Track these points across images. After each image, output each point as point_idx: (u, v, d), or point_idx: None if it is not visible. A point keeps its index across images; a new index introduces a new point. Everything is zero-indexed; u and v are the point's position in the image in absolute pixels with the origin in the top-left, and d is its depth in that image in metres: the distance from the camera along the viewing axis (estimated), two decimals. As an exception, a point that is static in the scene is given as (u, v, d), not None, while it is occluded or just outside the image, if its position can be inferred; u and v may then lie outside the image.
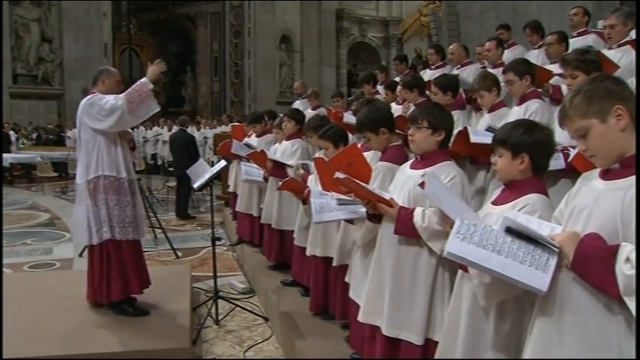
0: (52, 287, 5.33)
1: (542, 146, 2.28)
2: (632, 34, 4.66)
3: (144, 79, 4.49)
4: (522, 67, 4.12)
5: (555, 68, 4.78)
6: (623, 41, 4.63)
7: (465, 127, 3.79)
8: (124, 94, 4.40)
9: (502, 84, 4.57)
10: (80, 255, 6.63)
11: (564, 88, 4.24)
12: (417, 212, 2.78)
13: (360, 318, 3.13)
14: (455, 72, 6.54)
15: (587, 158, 1.90)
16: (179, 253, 7.39)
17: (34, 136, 19.96)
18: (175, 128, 13.91)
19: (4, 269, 6.57)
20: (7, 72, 20.14)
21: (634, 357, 1.67)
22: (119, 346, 4.03)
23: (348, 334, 3.85)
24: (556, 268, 1.82)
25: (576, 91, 1.87)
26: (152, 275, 4.91)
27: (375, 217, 3.04)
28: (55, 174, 15.60)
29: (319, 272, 4.39)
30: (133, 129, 8.74)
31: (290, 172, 5.31)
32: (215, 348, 4.46)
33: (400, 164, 3.15)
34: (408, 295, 2.87)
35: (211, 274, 5.23)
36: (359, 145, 4.00)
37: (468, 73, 6.44)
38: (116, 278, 4.51)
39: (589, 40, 5.47)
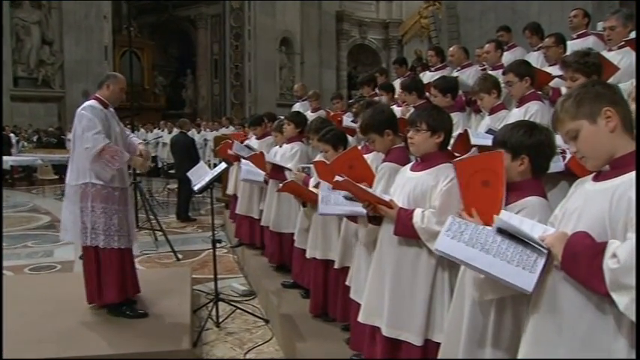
0: (53, 289, 5.34)
1: (542, 147, 2.29)
2: (632, 35, 4.66)
3: (127, 156, 4.55)
4: (522, 69, 4.13)
5: (554, 70, 4.79)
6: (622, 42, 4.63)
7: (466, 130, 3.80)
8: (105, 144, 4.37)
9: (502, 86, 4.58)
10: (81, 257, 6.62)
11: (564, 91, 4.24)
12: (417, 213, 2.79)
13: (360, 319, 3.13)
14: (455, 74, 6.55)
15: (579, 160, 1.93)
16: (179, 256, 7.40)
17: (35, 138, 19.98)
18: (176, 131, 13.91)
19: (5, 272, 6.59)
20: (8, 75, 20.16)
21: (626, 357, 1.68)
22: (120, 348, 4.03)
23: (349, 335, 3.86)
24: (544, 269, 1.85)
25: (567, 95, 1.92)
26: (152, 277, 4.92)
27: (376, 219, 3.05)
28: (56, 176, 15.60)
29: (319, 274, 4.39)
30: (133, 130, 8.77)
31: (288, 174, 5.32)
32: (215, 350, 4.46)
33: (404, 165, 3.16)
34: (407, 296, 2.87)
35: (212, 276, 5.24)
36: (359, 148, 4.01)
37: (468, 75, 6.44)
38: (100, 283, 4.55)
39: (589, 41, 5.47)
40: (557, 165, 3.07)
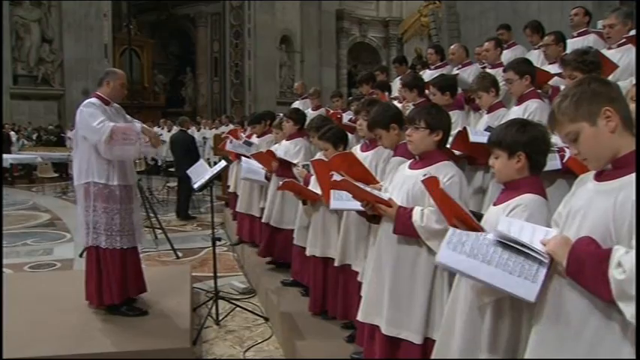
0: (53, 288, 5.34)
1: (537, 143, 2.29)
2: (632, 33, 4.66)
3: (138, 126, 4.52)
4: (523, 67, 4.13)
5: (554, 69, 4.79)
6: (622, 40, 4.63)
7: (465, 127, 3.80)
8: (112, 126, 4.35)
9: (501, 84, 4.57)
10: (80, 255, 6.63)
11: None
12: (416, 212, 2.80)
13: (360, 317, 3.14)
14: (455, 72, 6.55)
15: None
16: (179, 254, 7.40)
17: (35, 136, 19.97)
18: (175, 129, 13.92)
19: (5, 270, 6.59)
20: (8, 73, 20.17)
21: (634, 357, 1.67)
22: (119, 347, 4.03)
23: (349, 334, 3.86)
24: (546, 277, 1.83)
25: (563, 95, 1.87)
26: (153, 276, 4.93)
27: (375, 218, 3.05)
28: (56, 174, 15.59)
29: (318, 272, 4.39)
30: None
31: (296, 171, 5.32)
32: (215, 348, 4.47)
33: (412, 159, 3.15)
34: (407, 295, 2.88)
35: (211, 274, 5.24)
36: (358, 147, 4.02)
37: (469, 74, 6.44)
38: (102, 284, 4.53)
39: (589, 40, 5.47)
40: (554, 163, 3.08)
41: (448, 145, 3.48)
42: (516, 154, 2.27)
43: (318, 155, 4.75)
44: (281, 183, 4.83)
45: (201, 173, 5.28)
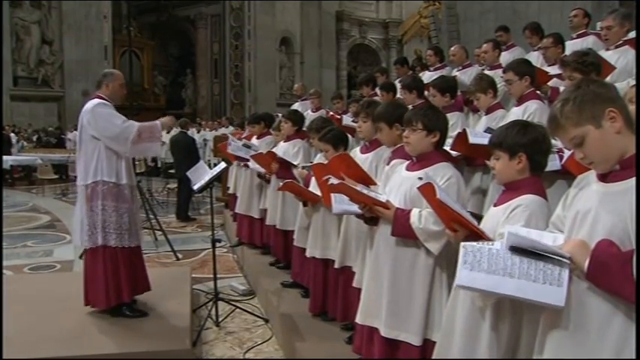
0: (53, 289, 5.35)
1: (538, 144, 2.29)
2: (630, 35, 4.67)
3: (159, 123, 4.61)
4: (522, 68, 4.13)
5: (553, 70, 4.79)
6: (620, 42, 4.64)
7: (464, 129, 3.81)
8: (139, 125, 4.45)
9: (499, 85, 4.58)
10: (80, 257, 6.63)
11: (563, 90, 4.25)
12: (414, 213, 2.80)
13: (358, 320, 3.14)
14: (455, 73, 6.55)
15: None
16: (179, 255, 7.40)
17: (35, 138, 19.98)
18: (175, 130, 13.89)
19: (5, 271, 6.60)
20: (8, 74, 20.18)
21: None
22: (119, 348, 4.04)
23: (349, 335, 3.86)
24: (570, 279, 1.79)
25: (564, 99, 1.83)
26: (152, 277, 4.92)
27: (372, 220, 3.06)
28: (56, 176, 15.60)
29: (318, 274, 4.40)
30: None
31: (295, 172, 5.32)
32: (215, 349, 4.47)
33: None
34: (405, 296, 2.88)
35: (211, 275, 5.24)
36: (358, 149, 4.02)
37: (469, 75, 6.44)
38: (111, 284, 4.51)
39: (589, 41, 5.49)
40: (553, 164, 3.09)
41: (447, 147, 3.49)
42: (517, 155, 2.28)
43: (319, 157, 4.76)
44: (281, 184, 4.84)
45: (201, 175, 5.28)
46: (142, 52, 26.69)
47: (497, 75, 5.03)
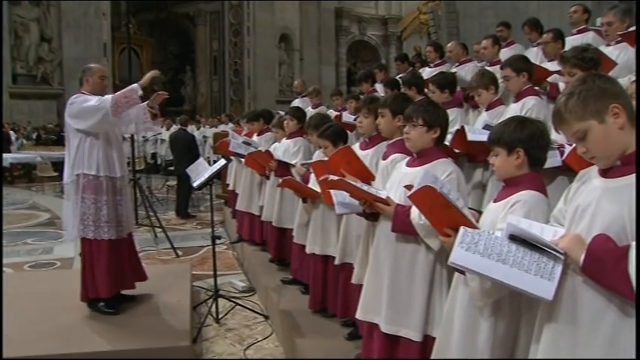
0: (53, 286, 5.35)
1: (536, 139, 2.29)
2: (630, 30, 4.67)
3: (135, 85, 4.49)
4: (520, 64, 4.13)
5: (553, 66, 4.79)
6: (620, 37, 4.64)
7: (462, 126, 3.81)
8: (111, 96, 4.42)
9: (500, 81, 4.58)
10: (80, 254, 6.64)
11: (562, 86, 4.26)
12: (414, 209, 2.79)
13: (358, 315, 3.14)
14: (453, 70, 6.55)
15: (582, 157, 1.88)
16: (179, 252, 7.41)
17: (34, 135, 19.96)
18: (175, 127, 13.92)
19: (5, 269, 6.60)
20: (7, 72, 20.13)
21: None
22: (119, 345, 4.04)
23: (349, 331, 3.87)
24: (562, 274, 1.81)
25: (569, 93, 1.84)
26: (152, 274, 4.93)
27: (372, 216, 3.06)
28: (55, 173, 15.53)
29: (318, 270, 4.41)
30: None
31: (294, 171, 5.33)
32: (215, 346, 4.48)
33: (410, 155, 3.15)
34: (406, 292, 2.88)
35: (211, 272, 5.25)
36: (357, 145, 4.02)
37: (467, 71, 6.45)
38: (88, 277, 4.55)
39: (588, 37, 5.48)
40: (554, 160, 3.09)
41: (446, 143, 3.49)
42: (515, 150, 2.27)
43: (318, 153, 4.76)
44: (280, 181, 4.84)
45: (200, 172, 5.28)
46: (141, 49, 26.66)
47: (496, 71, 5.03)
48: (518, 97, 4.08)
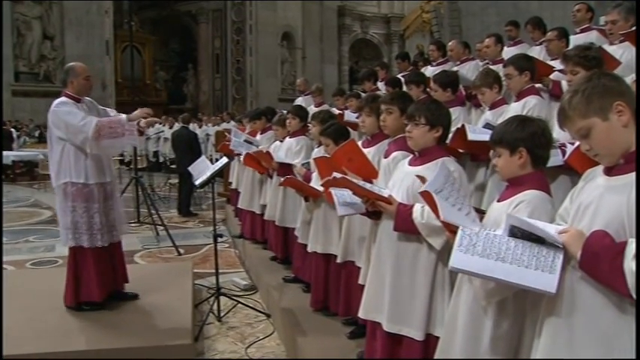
0: (54, 284, 5.32)
1: (537, 137, 2.28)
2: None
3: (123, 118, 4.44)
4: (523, 63, 4.12)
5: (556, 65, 4.78)
6: (623, 36, 4.62)
7: (463, 125, 3.79)
8: (96, 122, 4.32)
9: (503, 80, 4.57)
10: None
11: (564, 84, 4.24)
12: (416, 208, 2.79)
13: (361, 314, 3.14)
14: (455, 68, 6.54)
15: (584, 157, 1.88)
16: (181, 250, 7.41)
17: (36, 133, 19.99)
18: (177, 125, 13.91)
19: (7, 266, 6.62)
20: (9, 70, 20.18)
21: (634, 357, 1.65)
22: (121, 342, 4.04)
23: (351, 330, 3.86)
24: (563, 266, 1.81)
25: (574, 91, 1.84)
26: (154, 272, 4.92)
27: (375, 214, 3.05)
28: (57, 171, 15.61)
29: (320, 269, 4.40)
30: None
31: (295, 171, 5.32)
32: (217, 344, 4.47)
33: (412, 153, 3.14)
34: (408, 291, 2.87)
35: (213, 270, 5.25)
36: (360, 142, 4.01)
37: (468, 70, 6.43)
38: (82, 283, 4.51)
39: (592, 36, 5.47)
40: (556, 159, 3.07)
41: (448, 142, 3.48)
42: (517, 150, 2.27)
43: (317, 151, 4.76)
44: (282, 180, 4.83)
45: (202, 170, 5.28)
46: (144, 47, 26.69)
47: (499, 70, 5.02)
48: (520, 96, 4.07)
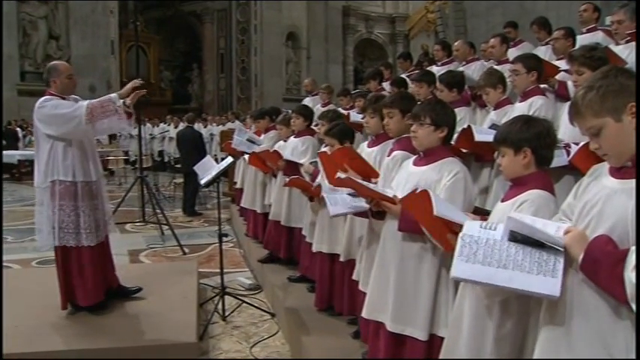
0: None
1: (542, 137, 2.28)
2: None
3: (113, 95, 4.39)
4: (531, 62, 4.12)
5: (562, 64, 4.77)
6: (628, 37, 4.61)
7: (469, 126, 3.79)
8: (87, 103, 4.29)
9: (508, 80, 4.56)
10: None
11: (570, 85, 4.24)
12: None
13: (364, 314, 3.14)
14: (460, 69, 6.53)
15: (589, 157, 1.87)
16: (186, 250, 7.42)
17: (42, 133, 20.01)
18: (182, 125, 13.94)
19: (13, 265, 6.65)
20: (15, 69, 20.26)
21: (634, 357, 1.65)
22: (126, 341, 4.05)
23: (355, 329, 3.87)
24: (565, 269, 1.80)
25: (589, 87, 1.79)
26: (159, 271, 4.92)
27: (379, 214, 3.06)
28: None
29: (325, 268, 4.41)
30: (139, 125, 8.78)
31: (303, 170, 5.32)
32: (222, 344, 4.48)
33: (415, 153, 3.15)
34: (412, 291, 2.87)
35: (218, 270, 5.25)
36: (365, 143, 4.02)
37: (474, 70, 6.42)
38: (78, 284, 4.49)
39: (598, 37, 5.46)
40: (560, 159, 3.07)
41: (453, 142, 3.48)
42: (522, 149, 2.27)
43: (323, 149, 4.76)
44: (287, 180, 4.84)
45: (207, 169, 5.29)
46: (149, 47, 26.73)
47: (504, 70, 5.01)
48: (525, 96, 4.06)
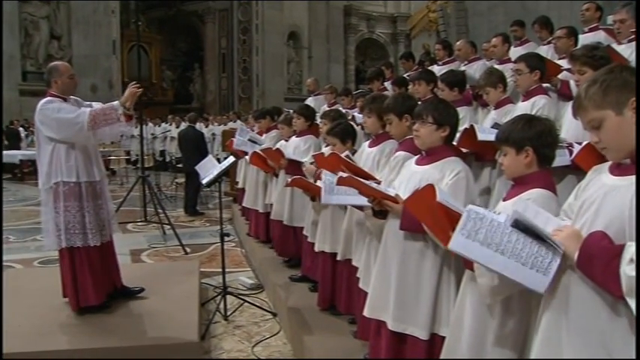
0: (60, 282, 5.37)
1: (544, 136, 2.28)
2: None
3: (116, 103, 4.40)
4: (535, 62, 4.12)
5: (564, 64, 4.77)
6: (632, 36, 4.60)
7: (472, 125, 3.79)
8: (90, 110, 4.30)
9: (508, 79, 4.56)
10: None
11: (572, 84, 4.24)
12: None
13: (366, 313, 3.14)
14: (462, 68, 6.53)
15: (591, 156, 1.87)
16: (188, 249, 7.42)
17: (44, 132, 20.02)
18: (184, 125, 13.95)
19: (15, 265, 6.66)
20: (17, 69, 20.26)
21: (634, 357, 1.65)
22: (128, 341, 4.06)
23: (356, 329, 3.87)
24: (559, 268, 1.81)
25: (593, 80, 1.81)
26: (161, 271, 4.93)
27: (381, 213, 3.06)
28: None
29: (327, 268, 4.41)
30: (141, 124, 8.78)
31: (305, 169, 5.33)
32: (224, 343, 4.49)
33: (417, 154, 3.15)
34: (413, 290, 2.87)
35: (220, 269, 5.26)
36: (367, 143, 4.02)
37: (475, 69, 6.43)
38: (80, 286, 4.47)
39: (600, 36, 5.46)
40: (563, 159, 3.07)
41: (455, 142, 3.48)
42: (524, 149, 2.27)
43: (324, 150, 4.77)
44: (289, 180, 4.84)
45: (209, 169, 5.29)
46: (150, 46, 26.73)
47: (506, 69, 5.01)
48: (527, 95, 4.07)
